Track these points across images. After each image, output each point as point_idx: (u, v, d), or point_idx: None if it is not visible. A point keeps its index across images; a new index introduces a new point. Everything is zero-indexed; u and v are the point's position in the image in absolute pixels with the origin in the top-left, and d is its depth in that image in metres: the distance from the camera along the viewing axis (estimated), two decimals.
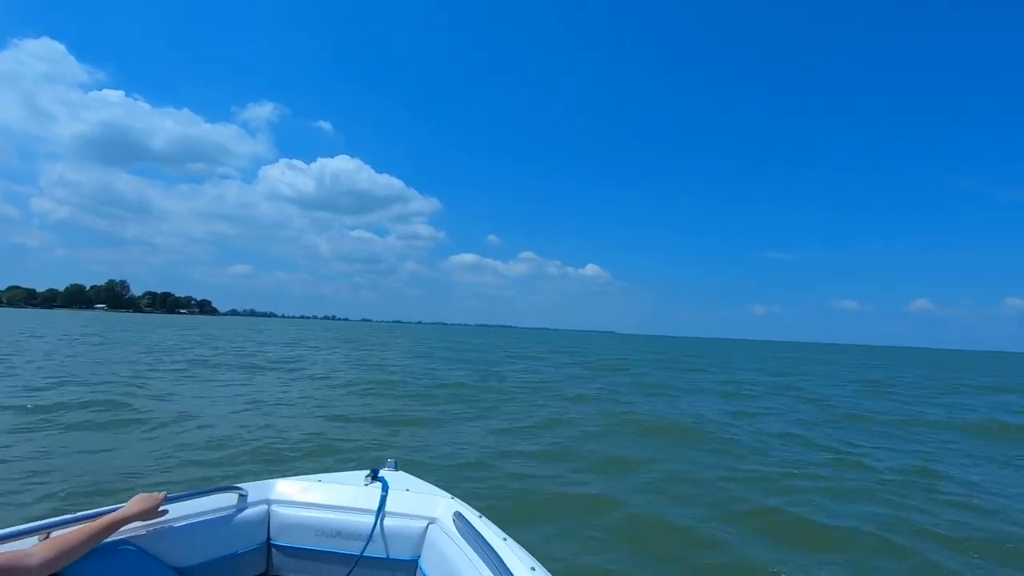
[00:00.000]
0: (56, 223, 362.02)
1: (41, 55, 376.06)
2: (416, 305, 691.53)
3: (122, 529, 1.54)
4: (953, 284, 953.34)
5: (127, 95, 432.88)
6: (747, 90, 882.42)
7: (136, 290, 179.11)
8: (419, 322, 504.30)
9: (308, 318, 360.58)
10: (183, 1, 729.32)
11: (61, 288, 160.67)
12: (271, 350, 23.26)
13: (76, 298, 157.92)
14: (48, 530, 1.44)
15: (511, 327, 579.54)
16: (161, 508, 1.67)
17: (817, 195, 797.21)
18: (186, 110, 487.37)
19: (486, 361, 22.94)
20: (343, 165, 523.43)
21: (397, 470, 2.34)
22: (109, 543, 1.50)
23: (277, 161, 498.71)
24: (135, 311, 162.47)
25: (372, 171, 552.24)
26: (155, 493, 1.67)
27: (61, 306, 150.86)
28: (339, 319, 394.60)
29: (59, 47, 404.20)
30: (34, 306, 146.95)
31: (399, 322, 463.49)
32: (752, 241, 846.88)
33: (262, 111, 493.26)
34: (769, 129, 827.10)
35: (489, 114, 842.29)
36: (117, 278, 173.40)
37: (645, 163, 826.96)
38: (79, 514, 1.53)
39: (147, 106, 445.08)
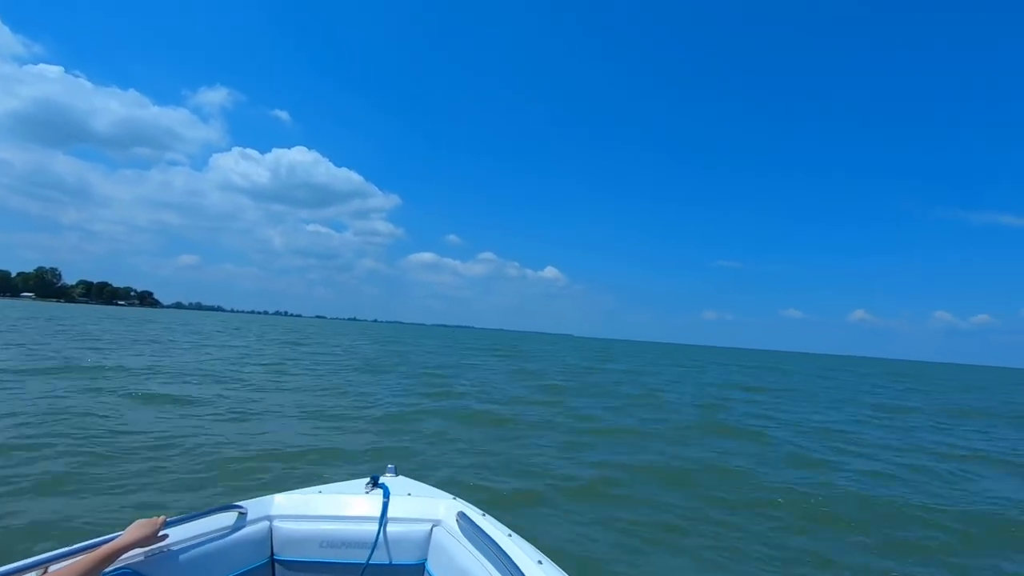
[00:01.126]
0: None
1: None
2: (373, 303, 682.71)
3: (122, 557, 1.50)
4: (890, 296, 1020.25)
5: (67, 71, 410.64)
6: (710, 97, 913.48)
7: (72, 278, 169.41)
8: (375, 320, 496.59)
9: (259, 313, 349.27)
10: None
11: None
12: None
13: (0, 285, 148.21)
14: (46, 564, 1.41)
15: (469, 327, 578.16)
16: (161, 533, 1.63)
17: (767, 205, 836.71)
18: (132, 91, 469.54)
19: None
20: (300, 157, 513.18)
21: (397, 475, 2.38)
22: (109, 573, 1.45)
23: (230, 149, 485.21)
24: (67, 301, 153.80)
25: (330, 164, 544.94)
26: (154, 518, 1.63)
27: None
28: (292, 315, 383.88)
29: None
30: None
31: (355, 319, 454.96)
32: (706, 249, 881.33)
33: (215, 96, 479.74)
34: (724, 137, 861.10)
35: (453, 112, 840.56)
36: (50, 265, 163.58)
37: (605, 167, 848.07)
38: (76, 546, 1.49)
39: (89, 84, 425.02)
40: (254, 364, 15.75)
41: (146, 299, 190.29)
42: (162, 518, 1.64)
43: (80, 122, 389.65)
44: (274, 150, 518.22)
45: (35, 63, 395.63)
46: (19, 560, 1.40)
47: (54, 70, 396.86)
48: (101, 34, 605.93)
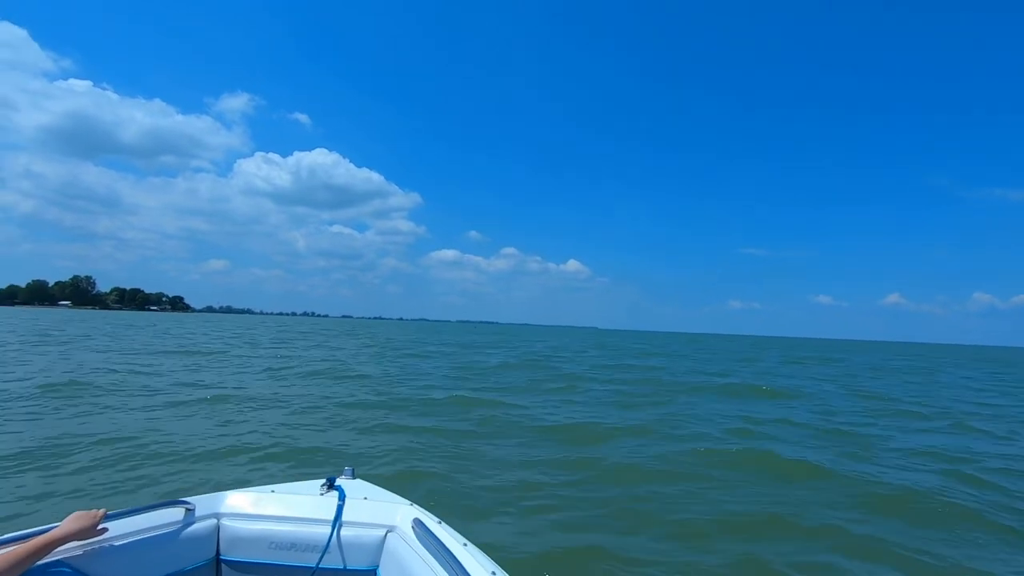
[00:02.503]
0: (21, 217, 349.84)
1: (1, 41, 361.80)
2: (397, 301, 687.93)
3: (58, 550, 1.46)
4: (925, 280, 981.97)
5: (95, 85, 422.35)
6: (728, 87, 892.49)
7: (105, 286, 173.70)
8: (400, 318, 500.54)
9: (287, 315, 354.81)
10: None
11: (23, 284, 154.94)
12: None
13: (38, 294, 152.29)
14: None
15: (493, 323, 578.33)
16: (100, 526, 1.56)
17: (789, 191, 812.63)
18: (157, 100, 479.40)
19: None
20: (320, 159, 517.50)
21: (354, 478, 2.27)
22: (43, 565, 1.41)
23: (253, 154, 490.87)
24: (102, 308, 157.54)
25: (351, 165, 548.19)
26: (93, 511, 1.56)
27: (22, 303, 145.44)
28: (319, 316, 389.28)
29: (21, 32, 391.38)
30: None
31: (380, 318, 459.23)
32: (730, 237, 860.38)
33: (237, 102, 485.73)
34: (745, 125, 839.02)
35: (471, 109, 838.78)
36: (86, 274, 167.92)
37: (626, 159, 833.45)
38: (6, 536, 1.44)
39: (116, 96, 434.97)
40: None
41: (177, 304, 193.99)
42: (102, 511, 1.58)
43: (108, 133, 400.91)
44: (295, 153, 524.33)
45: (64, 78, 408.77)
46: None
47: (82, 84, 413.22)
48: (125, 46, 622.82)
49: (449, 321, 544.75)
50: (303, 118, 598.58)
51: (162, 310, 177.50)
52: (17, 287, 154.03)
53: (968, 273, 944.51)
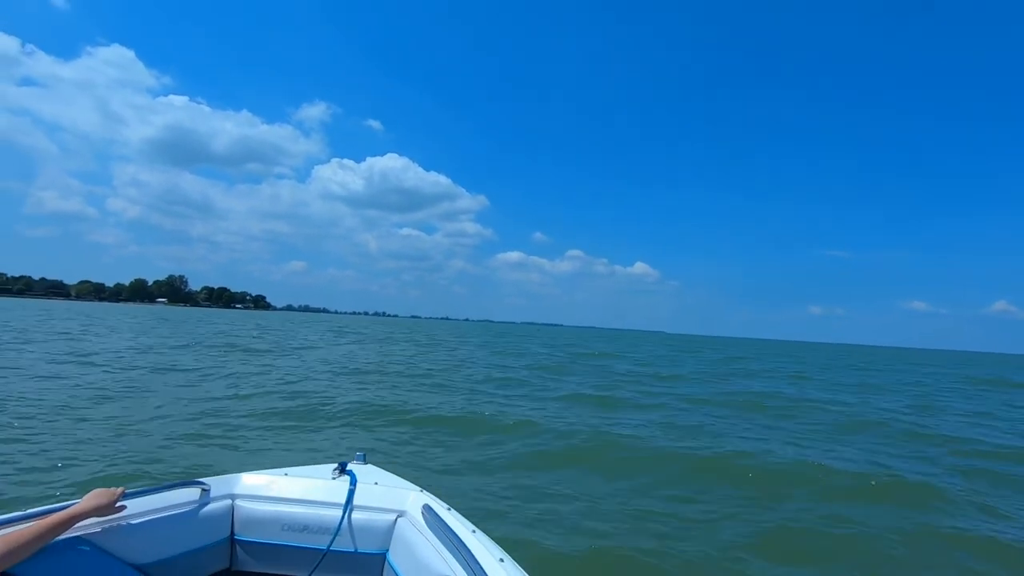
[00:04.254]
0: (129, 222, 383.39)
1: (112, 61, 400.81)
2: (463, 302, 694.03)
3: (77, 526, 1.47)
4: None
5: (191, 99, 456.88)
6: (802, 86, 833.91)
7: (197, 285, 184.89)
8: (467, 319, 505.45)
9: (359, 314, 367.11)
10: (241, 7, 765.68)
11: (127, 283, 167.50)
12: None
13: (139, 292, 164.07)
14: None
15: (559, 325, 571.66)
16: (119, 504, 1.59)
17: (876, 191, 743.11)
18: (245, 111, 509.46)
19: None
20: (391, 163, 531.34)
21: (366, 463, 2.30)
22: (63, 540, 1.43)
23: (329, 160, 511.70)
24: (192, 305, 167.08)
25: (420, 169, 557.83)
26: (112, 488, 1.59)
27: (126, 300, 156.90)
28: (389, 315, 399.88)
29: (129, 53, 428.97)
30: (101, 299, 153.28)
31: (447, 319, 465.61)
32: (809, 239, 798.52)
33: (315, 111, 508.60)
34: (827, 124, 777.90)
35: (537, 113, 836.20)
36: (184, 274, 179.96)
37: (696, 160, 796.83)
38: (29, 511, 1.46)
39: (208, 109, 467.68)
40: None
41: (259, 302, 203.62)
42: (121, 489, 1.61)
43: (203, 144, 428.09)
44: (367, 159, 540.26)
45: (165, 94, 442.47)
46: None
47: (180, 99, 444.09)
48: (216, 62, 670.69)
49: (514, 323, 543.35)
50: (376, 124, 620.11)
51: (246, 308, 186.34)
52: (122, 285, 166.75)
53: None
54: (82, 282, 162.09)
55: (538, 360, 20.14)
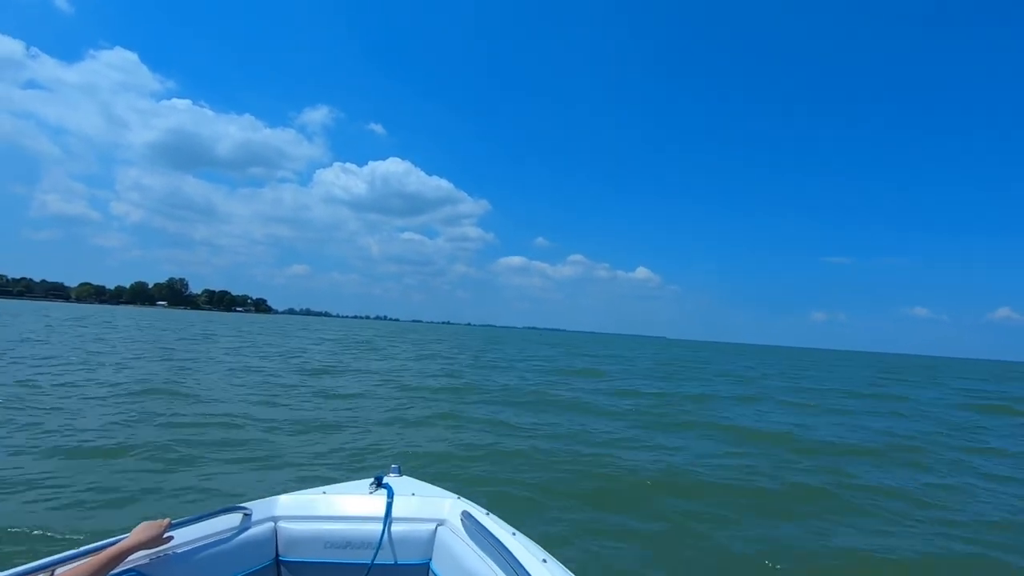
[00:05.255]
0: (132, 225, 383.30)
1: (116, 65, 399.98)
2: (465, 307, 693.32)
3: (128, 559, 1.51)
4: None
5: (194, 103, 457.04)
6: (804, 96, 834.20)
7: (200, 289, 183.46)
8: (469, 324, 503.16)
9: (361, 318, 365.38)
10: (244, 11, 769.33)
11: (128, 285, 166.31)
12: None
13: (140, 295, 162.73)
14: (52, 568, 1.40)
15: (560, 330, 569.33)
16: (166, 535, 1.62)
17: (879, 198, 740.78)
18: (248, 115, 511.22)
19: None
20: (393, 167, 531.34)
21: (401, 475, 2.33)
22: (115, 575, 1.46)
23: (331, 165, 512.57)
24: (193, 308, 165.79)
25: (422, 173, 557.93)
26: (159, 520, 1.63)
27: (126, 302, 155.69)
28: (391, 319, 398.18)
29: (132, 56, 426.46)
30: (102, 302, 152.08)
31: (448, 323, 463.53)
32: (812, 245, 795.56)
33: (318, 115, 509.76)
34: (829, 133, 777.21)
35: (538, 119, 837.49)
36: (187, 278, 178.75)
37: (700, 168, 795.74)
38: (82, 548, 1.49)
39: (211, 113, 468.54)
40: None
41: (260, 306, 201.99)
42: (167, 520, 1.64)
43: (206, 147, 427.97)
44: (369, 163, 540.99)
45: (168, 98, 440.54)
46: (25, 563, 1.40)
47: (183, 103, 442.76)
48: (219, 66, 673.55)
49: (516, 327, 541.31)
50: (378, 128, 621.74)
51: (247, 311, 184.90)
52: (123, 288, 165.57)
53: None
54: (82, 284, 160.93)
55: (521, 381, 18.43)
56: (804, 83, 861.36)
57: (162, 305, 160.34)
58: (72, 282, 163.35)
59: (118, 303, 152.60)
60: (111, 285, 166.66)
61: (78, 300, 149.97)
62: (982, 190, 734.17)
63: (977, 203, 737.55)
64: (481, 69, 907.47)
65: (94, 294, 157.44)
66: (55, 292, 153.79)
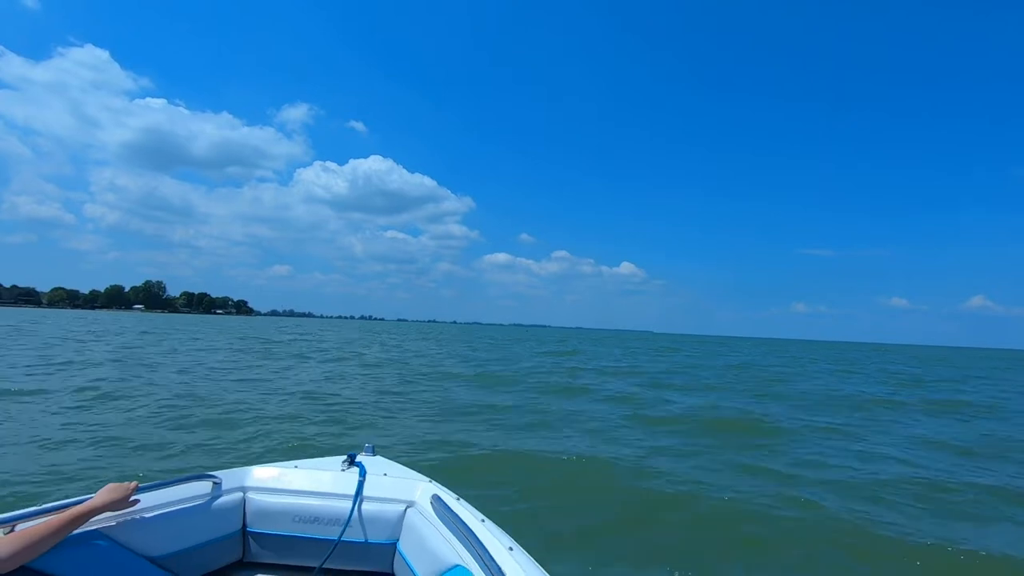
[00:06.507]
0: (108, 227, 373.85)
1: (86, 63, 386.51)
2: (450, 305, 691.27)
3: (92, 520, 1.50)
4: (1016, 282, 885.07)
5: (169, 102, 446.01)
6: (783, 86, 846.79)
7: (179, 291, 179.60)
8: (454, 322, 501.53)
9: (346, 318, 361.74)
10: (219, 7, 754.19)
11: (103, 289, 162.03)
12: None
13: (116, 299, 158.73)
14: (13, 523, 1.39)
15: (545, 326, 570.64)
16: (132, 498, 1.60)
17: (860, 189, 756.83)
18: (225, 113, 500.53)
19: None
20: (375, 165, 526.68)
21: (375, 455, 2.32)
22: (79, 534, 1.46)
23: (312, 163, 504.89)
24: (171, 311, 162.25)
25: (404, 171, 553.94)
26: (126, 483, 1.61)
27: (102, 307, 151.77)
28: (375, 319, 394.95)
29: (103, 54, 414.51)
30: (75, 307, 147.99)
31: (434, 321, 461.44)
32: (793, 238, 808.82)
33: (297, 113, 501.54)
34: (807, 125, 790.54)
35: (521, 113, 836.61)
36: (165, 280, 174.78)
37: (681, 161, 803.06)
38: (45, 506, 1.49)
39: (187, 111, 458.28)
40: None
41: (242, 308, 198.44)
42: (135, 483, 1.62)
43: (182, 147, 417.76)
44: (351, 161, 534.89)
45: (143, 96, 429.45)
46: None
47: (158, 102, 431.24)
48: (195, 63, 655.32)
49: (502, 324, 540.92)
50: (359, 126, 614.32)
51: (227, 313, 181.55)
52: (98, 292, 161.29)
53: None
54: (55, 289, 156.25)
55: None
56: (783, 73, 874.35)
57: (139, 309, 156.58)
58: (46, 286, 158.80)
59: (93, 307, 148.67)
60: (86, 289, 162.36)
61: (50, 305, 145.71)
62: (956, 179, 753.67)
63: (950, 192, 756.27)
64: (463, 66, 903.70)
65: (67, 299, 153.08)
66: (25, 297, 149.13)
